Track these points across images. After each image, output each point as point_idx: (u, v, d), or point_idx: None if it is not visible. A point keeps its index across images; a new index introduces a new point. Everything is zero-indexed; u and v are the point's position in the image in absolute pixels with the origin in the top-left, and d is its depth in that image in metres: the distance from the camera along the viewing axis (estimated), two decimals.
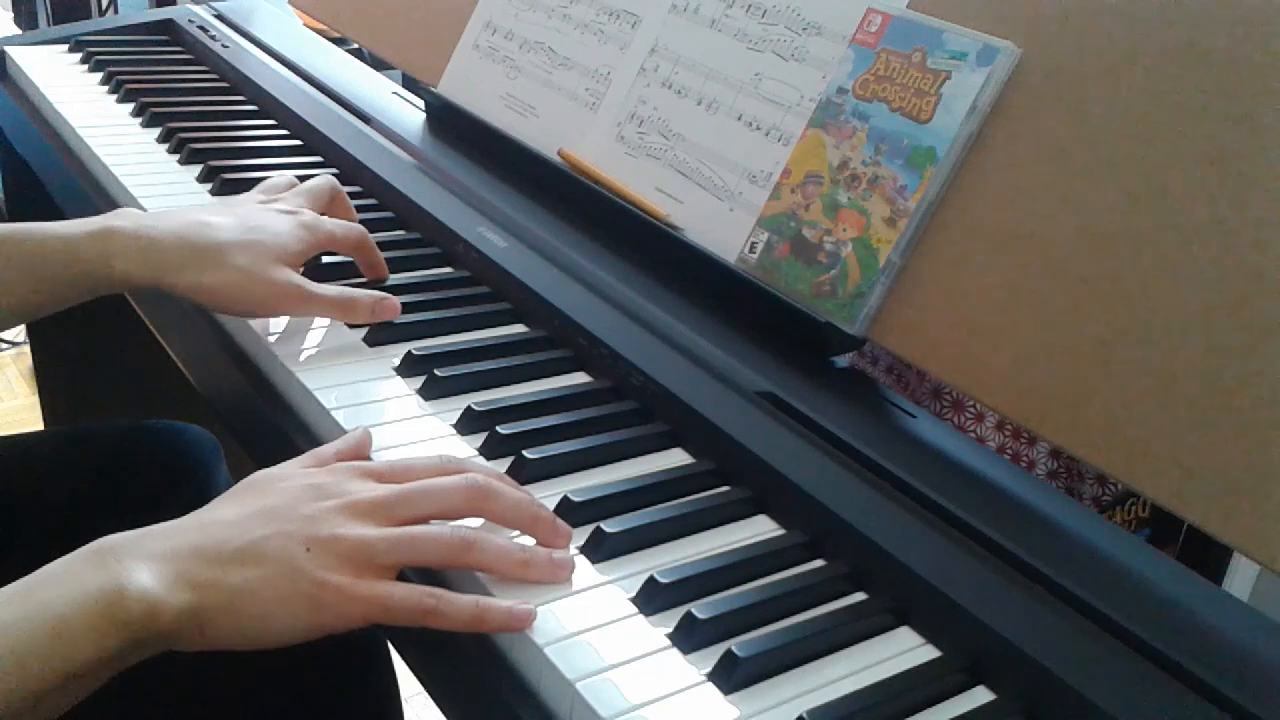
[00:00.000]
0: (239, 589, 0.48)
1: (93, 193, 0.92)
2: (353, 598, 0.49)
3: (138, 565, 0.47)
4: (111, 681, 0.48)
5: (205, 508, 0.53)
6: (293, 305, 0.70)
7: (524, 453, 0.60)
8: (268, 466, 0.57)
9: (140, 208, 0.85)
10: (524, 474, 0.59)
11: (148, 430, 0.91)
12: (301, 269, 0.73)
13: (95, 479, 0.85)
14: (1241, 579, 1.21)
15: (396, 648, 0.57)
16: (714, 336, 0.72)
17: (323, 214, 0.78)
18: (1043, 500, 0.62)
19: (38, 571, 0.47)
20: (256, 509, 0.51)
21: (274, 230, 0.71)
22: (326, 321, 0.73)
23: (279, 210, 0.74)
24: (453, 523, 0.53)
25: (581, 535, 0.56)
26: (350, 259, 0.78)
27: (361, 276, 0.78)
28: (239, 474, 0.93)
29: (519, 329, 0.76)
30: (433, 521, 0.53)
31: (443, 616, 0.49)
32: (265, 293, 0.68)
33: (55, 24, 2.58)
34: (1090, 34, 0.66)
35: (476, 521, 0.55)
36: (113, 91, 1.09)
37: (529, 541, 0.54)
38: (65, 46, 1.21)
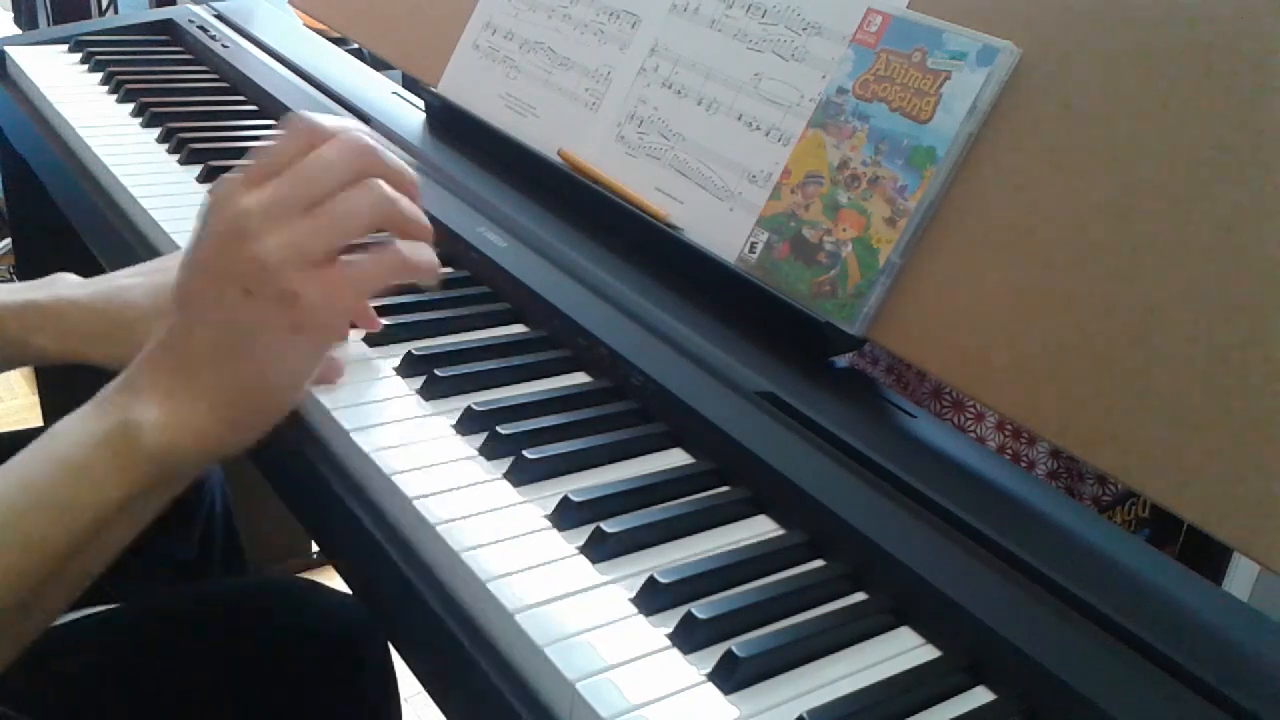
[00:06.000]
0: (225, 365, 0.51)
1: (92, 193, 0.92)
2: (325, 290, 0.50)
3: (133, 399, 0.50)
4: (110, 678, 0.48)
5: (161, 332, 0.53)
6: None
7: (524, 453, 0.60)
8: (266, 465, 0.57)
9: (140, 207, 0.85)
10: (524, 474, 0.59)
11: None
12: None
13: None
14: (1241, 579, 1.21)
15: (397, 648, 0.57)
16: (714, 336, 0.72)
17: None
18: (1043, 500, 0.62)
19: (41, 437, 0.50)
20: (196, 301, 0.52)
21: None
22: None
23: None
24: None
25: (581, 535, 0.56)
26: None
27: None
28: (229, 467, 0.93)
29: (519, 329, 0.76)
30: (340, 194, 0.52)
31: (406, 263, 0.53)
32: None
33: (55, 24, 2.58)
34: (1090, 34, 0.66)
35: None
36: (113, 91, 1.09)
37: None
38: (65, 46, 1.21)
